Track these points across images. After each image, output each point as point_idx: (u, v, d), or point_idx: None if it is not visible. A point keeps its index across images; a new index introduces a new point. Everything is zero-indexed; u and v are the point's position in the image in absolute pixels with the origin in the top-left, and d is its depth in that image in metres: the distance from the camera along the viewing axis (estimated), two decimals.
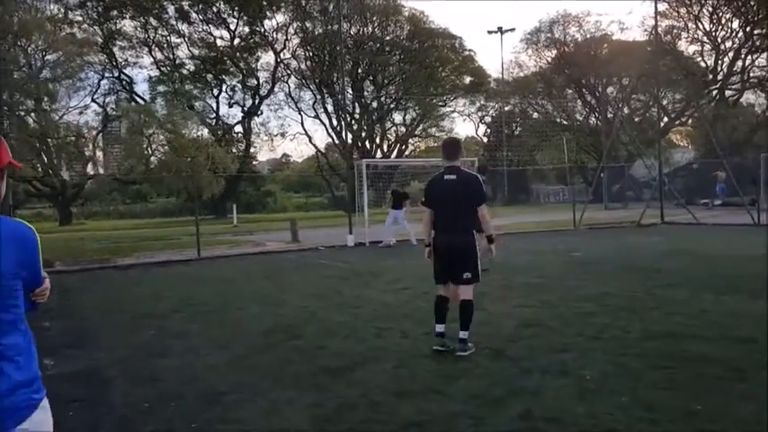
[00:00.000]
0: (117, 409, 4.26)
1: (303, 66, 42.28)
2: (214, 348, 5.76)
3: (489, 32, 43.06)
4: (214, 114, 42.51)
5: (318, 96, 42.76)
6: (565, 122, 45.23)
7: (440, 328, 5.30)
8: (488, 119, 49.60)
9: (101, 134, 40.10)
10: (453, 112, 48.11)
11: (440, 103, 46.83)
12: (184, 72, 41.05)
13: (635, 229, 18.46)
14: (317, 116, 43.64)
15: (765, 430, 3.39)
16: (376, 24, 42.04)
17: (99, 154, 42.37)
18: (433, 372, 4.77)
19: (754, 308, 6.48)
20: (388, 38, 42.83)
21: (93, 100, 38.83)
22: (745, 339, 5.26)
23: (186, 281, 10.75)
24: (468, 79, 47.06)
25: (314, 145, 45.88)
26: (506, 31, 44.17)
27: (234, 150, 39.86)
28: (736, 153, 32.28)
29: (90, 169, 39.57)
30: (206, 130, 39.60)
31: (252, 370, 5.03)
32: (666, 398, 3.95)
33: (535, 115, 47.42)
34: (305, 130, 43.51)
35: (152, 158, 35.57)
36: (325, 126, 43.62)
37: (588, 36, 41.11)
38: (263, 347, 5.75)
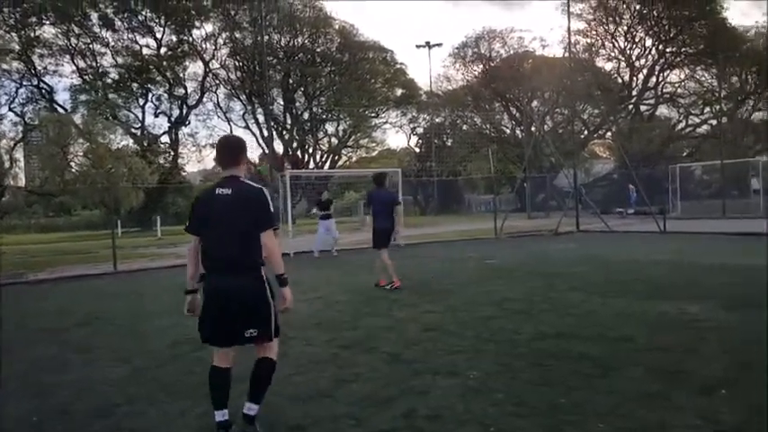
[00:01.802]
0: (4, 423, 4.21)
1: (233, 76, 41.95)
2: (115, 362, 5.73)
3: (418, 47, 43.96)
4: (139, 124, 41.54)
5: (249, 107, 42.49)
6: (493, 134, 46.57)
7: (220, 415, 3.64)
8: (420, 130, 50.50)
9: (19, 145, 38.47)
10: (386, 123, 48.78)
11: (372, 115, 47.35)
12: (108, 81, 39.96)
13: (551, 237, 19.24)
14: (247, 126, 43.33)
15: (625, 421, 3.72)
16: (306, 36, 42.20)
17: (19, 165, 40.63)
18: (329, 377, 4.92)
19: (638, 309, 6.98)
20: (318, 49, 43.07)
21: (10, 109, 37.31)
22: (621, 338, 5.68)
23: (97, 295, 10.50)
24: (399, 91, 47.83)
25: None
26: (434, 45, 45.23)
27: (161, 161, 39.04)
28: (650, 164, 34.04)
29: (8, 181, 37.88)
30: (131, 140, 38.65)
31: (151, 382, 5.03)
32: (538, 393, 4.25)
33: (464, 127, 48.57)
34: None
35: (70, 170, 34.44)
36: (255, 137, 43.36)
37: (512, 52, 42.60)
38: (166, 360, 5.75)
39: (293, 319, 7.33)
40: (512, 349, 5.46)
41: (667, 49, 40.62)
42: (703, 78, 40.99)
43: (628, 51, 41.28)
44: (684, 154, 43.35)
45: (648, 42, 40.84)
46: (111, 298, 9.99)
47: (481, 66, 44.74)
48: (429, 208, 45.20)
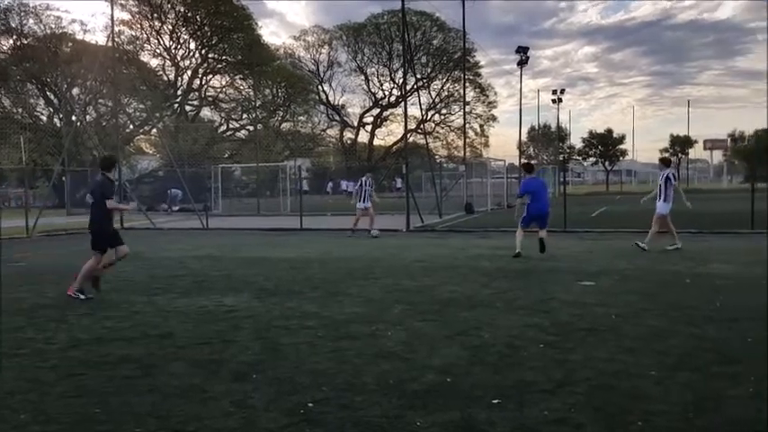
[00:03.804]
0: None
1: None
2: None
3: None
4: None
5: None
6: (26, 120, 41.10)
7: None
8: None
9: None
10: None
11: None
12: None
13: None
14: None
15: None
16: None
17: None
18: None
19: (180, 305, 7.12)
20: None
21: None
22: (163, 336, 5.69)
23: None
24: None
25: None
26: None
27: None
28: (195, 163, 35.20)
29: None
30: None
31: None
32: (71, 407, 3.89)
33: None
34: None
35: None
36: None
37: (48, 31, 38.44)
38: None
39: None
40: (42, 362, 4.89)
41: (210, 55, 42.74)
42: (242, 87, 44.58)
43: (173, 51, 41.88)
44: (226, 155, 46.39)
45: (193, 45, 42.26)
46: None
47: (11, 41, 38.98)
48: None
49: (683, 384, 4.12)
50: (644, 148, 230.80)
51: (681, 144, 69.49)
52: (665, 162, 12.88)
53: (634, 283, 8.18)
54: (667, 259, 10.42)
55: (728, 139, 67.88)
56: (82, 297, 7.50)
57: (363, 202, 16.18)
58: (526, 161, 14.90)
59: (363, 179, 16.50)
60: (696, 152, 70.30)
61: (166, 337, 5.66)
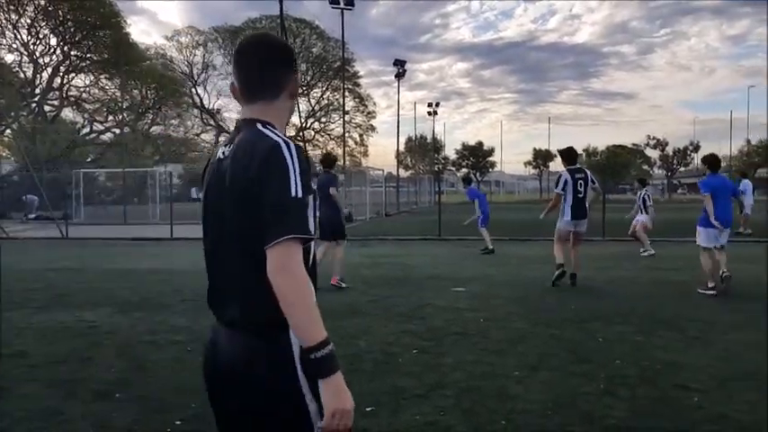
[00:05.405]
0: None
1: None
2: None
3: None
4: None
5: None
6: None
7: None
8: None
9: None
10: None
11: None
12: None
13: None
14: None
15: None
16: None
17: None
18: None
19: (35, 321, 6.58)
20: None
21: None
22: (15, 354, 5.23)
23: None
24: None
25: None
26: None
27: None
28: (54, 168, 32.70)
29: None
30: None
31: None
32: None
33: None
34: None
35: None
36: None
37: None
38: None
39: None
40: None
41: (73, 52, 39.93)
42: (108, 87, 41.96)
43: (31, 46, 38.70)
44: (89, 159, 43.45)
45: (54, 41, 39.26)
46: None
47: None
48: None
49: (543, 383, 4.40)
50: (510, 160, 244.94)
51: (542, 157, 74.48)
52: (641, 182, 14.55)
53: (501, 288, 8.63)
54: (528, 266, 11.09)
55: (584, 154, 73.53)
56: (343, 285, 8.50)
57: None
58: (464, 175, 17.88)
59: None
60: (556, 165, 75.67)
61: (20, 355, 5.21)
